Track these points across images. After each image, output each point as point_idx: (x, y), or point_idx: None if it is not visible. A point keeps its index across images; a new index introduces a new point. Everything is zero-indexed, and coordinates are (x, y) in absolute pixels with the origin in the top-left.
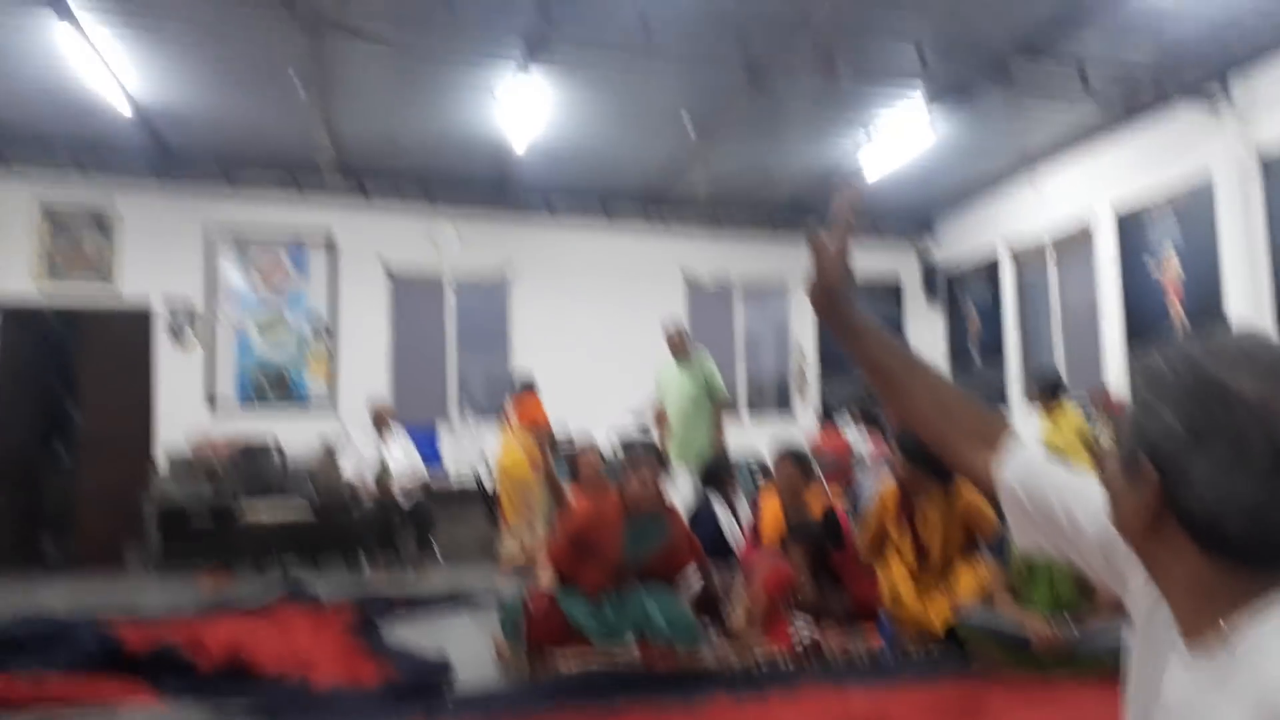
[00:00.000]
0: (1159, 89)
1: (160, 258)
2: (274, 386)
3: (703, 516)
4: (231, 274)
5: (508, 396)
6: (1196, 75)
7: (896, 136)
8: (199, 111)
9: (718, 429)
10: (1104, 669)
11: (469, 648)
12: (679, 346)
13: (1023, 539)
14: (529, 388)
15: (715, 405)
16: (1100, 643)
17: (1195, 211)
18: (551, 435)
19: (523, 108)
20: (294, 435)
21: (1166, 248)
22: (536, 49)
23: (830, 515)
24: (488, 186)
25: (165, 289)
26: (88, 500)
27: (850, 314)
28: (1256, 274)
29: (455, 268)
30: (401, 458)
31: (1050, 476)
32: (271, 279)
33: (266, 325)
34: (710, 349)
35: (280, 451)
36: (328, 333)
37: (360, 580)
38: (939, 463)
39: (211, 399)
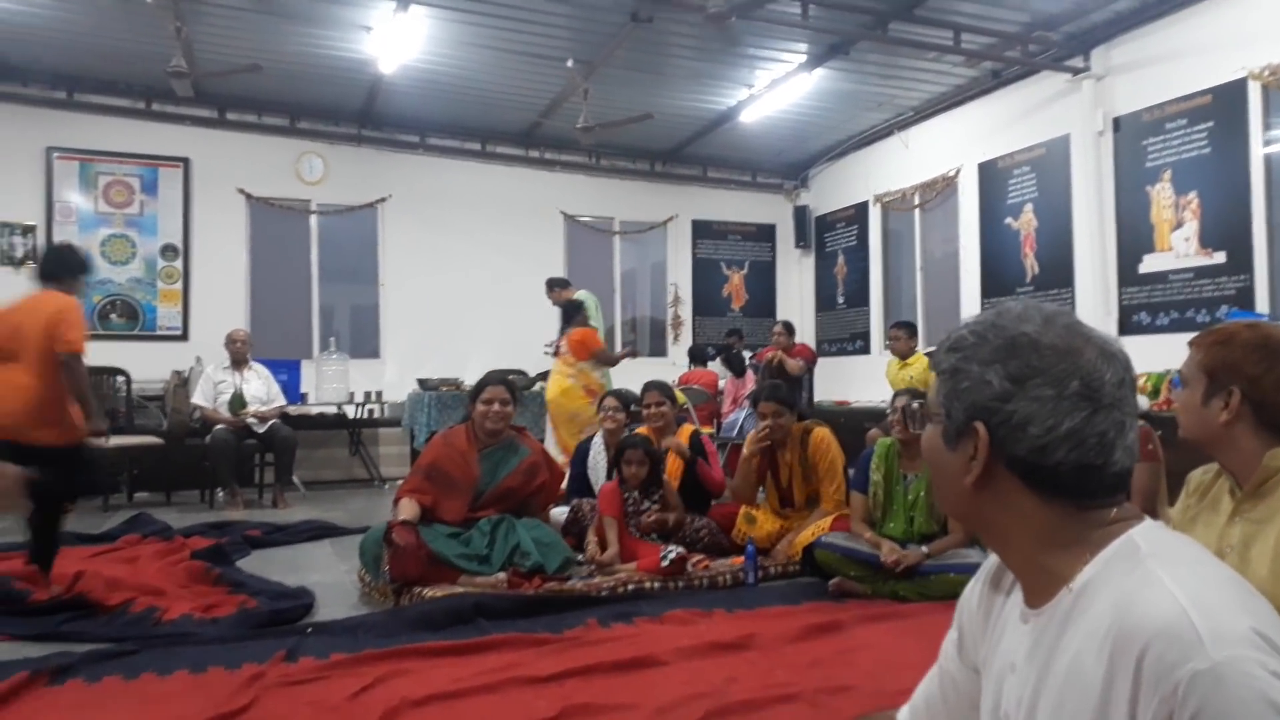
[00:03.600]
0: (1026, 55)
1: None
2: (121, 314)
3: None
4: (73, 195)
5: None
6: (1060, 44)
7: (777, 88)
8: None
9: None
10: (951, 590)
11: (333, 579)
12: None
13: None
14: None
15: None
16: (948, 566)
17: (1052, 168)
18: (605, 355)
19: (398, 41)
20: (144, 365)
21: (1024, 201)
22: None
23: (695, 438)
24: (358, 116)
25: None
26: None
27: None
28: (1104, 224)
29: (321, 196)
30: (259, 387)
31: None
32: (117, 200)
33: (111, 247)
34: (589, 288)
35: (126, 378)
36: (175, 252)
37: (216, 512)
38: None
39: None
